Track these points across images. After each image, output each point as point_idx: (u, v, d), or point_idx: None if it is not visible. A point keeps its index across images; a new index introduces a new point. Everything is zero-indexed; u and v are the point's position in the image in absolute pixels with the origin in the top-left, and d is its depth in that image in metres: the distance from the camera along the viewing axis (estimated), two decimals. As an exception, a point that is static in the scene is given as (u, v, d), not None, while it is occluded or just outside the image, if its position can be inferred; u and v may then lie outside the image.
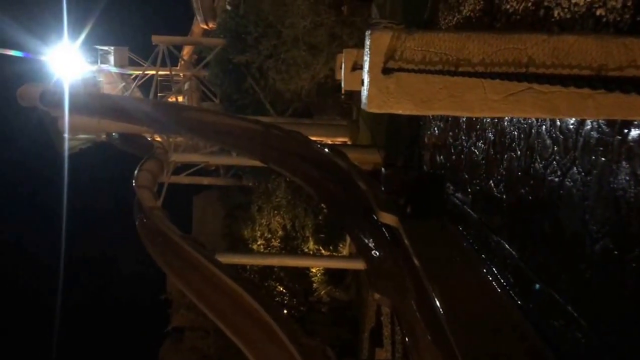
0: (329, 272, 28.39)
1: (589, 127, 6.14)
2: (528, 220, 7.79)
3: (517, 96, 4.20)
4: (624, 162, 5.50)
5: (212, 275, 14.08)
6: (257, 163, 22.64)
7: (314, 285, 28.96)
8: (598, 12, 5.78)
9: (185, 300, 27.86)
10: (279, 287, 29.38)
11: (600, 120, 5.85)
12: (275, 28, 24.86)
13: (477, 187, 10.03)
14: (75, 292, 54.67)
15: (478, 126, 10.01)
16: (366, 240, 14.47)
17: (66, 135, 26.03)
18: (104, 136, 28.77)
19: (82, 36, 30.44)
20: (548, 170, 7.10)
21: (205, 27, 37.27)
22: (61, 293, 51.08)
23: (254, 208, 31.11)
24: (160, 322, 37.44)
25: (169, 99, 32.97)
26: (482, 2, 9.79)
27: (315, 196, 18.60)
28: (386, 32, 4.32)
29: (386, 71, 4.32)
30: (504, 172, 8.72)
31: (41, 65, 30.32)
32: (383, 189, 14.60)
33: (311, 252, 28.59)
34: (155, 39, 30.90)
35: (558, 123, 6.81)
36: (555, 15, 6.75)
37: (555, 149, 6.91)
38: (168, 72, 32.46)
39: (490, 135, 9.43)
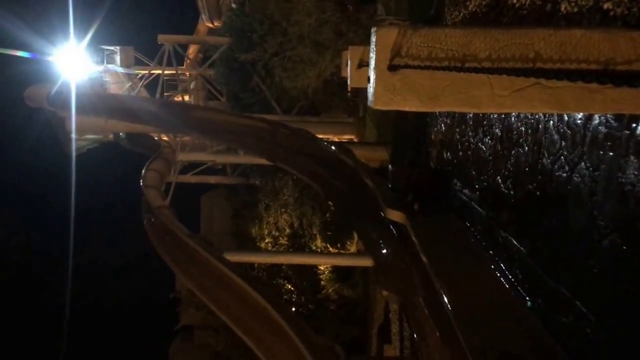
0: (336, 270, 28.38)
1: (596, 121, 6.11)
2: (536, 216, 7.76)
3: (524, 92, 4.18)
4: (632, 157, 5.47)
5: (221, 274, 14.12)
6: (264, 161, 22.68)
7: (322, 282, 28.96)
8: (605, 6, 5.75)
9: (194, 299, 27.90)
10: (287, 284, 29.41)
11: (608, 115, 5.82)
12: (281, 26, 24.84)
13: (485, 184, 10.00)
14: (84, 292, 54.91)
15: (485, 122, 9.99)
16: (374, 238, 14.47)
17: (73, 136, 26.13)
18: (111, 136, 28.89)
19: (88, 36, 30.52)
20: (556, 166, 7.07)
21: (210, 25, 37.29)
22: (70, 293, 51.34)
23: (261, 206, 31.16)
24: (169, 321, 37.60)
25: (175, 98, 32.99)
26: (487, -2, 9.75)
27: (323, 194, 18.61)
28: (392, 29, 4.31)
29: (392, 68, 4.30)
30: (511, 168, 8.69)
31: (47, 66, 30.43)
32: (390, 186, 14.59)
33: (319, 250, 28.60)
34: (161, 38, 30.96)
35: (565, 118, 6.78)
36: (562, 9, 6.72)
37: (563, 144, 6.88)
38: (174, 72, 32.54)
39: (497, 131, 9.40)
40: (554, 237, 7.18)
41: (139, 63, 34.86)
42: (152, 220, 17.84)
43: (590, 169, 6.27)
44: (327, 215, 28.63)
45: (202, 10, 36.95)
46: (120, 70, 33.51)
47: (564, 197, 6.85)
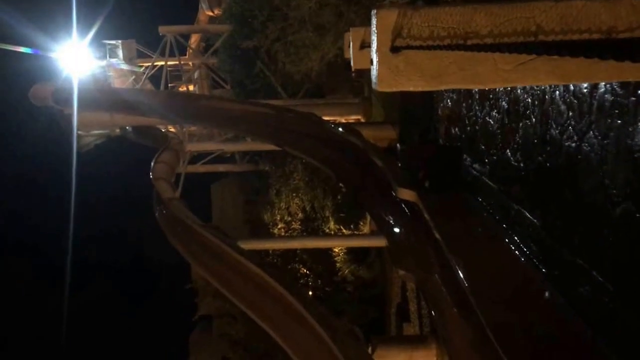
0: (351, 251, 28.41)
1: (602, 90, 6.07)
2: (548, 188, 7.74)
3: (528, 65, 4.15)
4: (640, 124, 5.44)
5: (236, 262, 14.17)
6: (272, 147, 22.67)
7: (338, 265, 28.99)
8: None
9: (211, 288, 28.05)
10: (303, 269, 29.47)
11: (613, 83, 5.78)
12: (281, 11, 24.73)
13: (494, 157, 9.97)
14: (99, 287, 55.42)
15: (491, 96, 9.93)
16: (386, 218, 14.48)
17: (79, 132, 26.21)
18: (117, 130, 28.93)
19: (92, 32, 30.49)
20: (564, 136, 7.03)
21: (211, 14, 37.16)
22: (84, 288, 51.91)
23: (272, 192, 31.17)
24: (187, 311, 37.87)
25: (180, 89, 32.99)
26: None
27: (333, 176, 18.61)
28: (392, 10, 4.28)
29: (394, 49, 4.28)
30: (520, 141, 8.65)
31: (50, 62, 30.46)
32: (400, 164, 14.56)
33: (332, 232, 28.63)
34: (162, 29, 30.92)
35: (571, 88, 6.74)
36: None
37: (570, 114, 6.84)
38: (177, 62, 32.52)
39: (504, 104, 9.35)
40: (567, 208, 7.16)
41: (141, 56, 34.85)
42: (164, 212, 17.92)
43: (599, 137, 6.24)
44: (339, 197, 28.62)
45: (202, -1, 36.84)
46: (123, 64, 33.50)
47: (574, 167, 6.82)
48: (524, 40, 3.94)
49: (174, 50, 31.29)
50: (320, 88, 29.35)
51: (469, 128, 11.51)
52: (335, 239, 26.26)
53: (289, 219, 30.39)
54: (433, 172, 12.26)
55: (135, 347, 52.97)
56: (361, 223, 28.16)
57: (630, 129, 5.60)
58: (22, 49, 32.66)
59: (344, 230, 28.29)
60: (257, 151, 30.77)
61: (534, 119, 8.00)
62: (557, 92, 7.15)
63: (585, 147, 6.53)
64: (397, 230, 13.80)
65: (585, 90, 6.44)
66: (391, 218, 14.22)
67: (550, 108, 7.40)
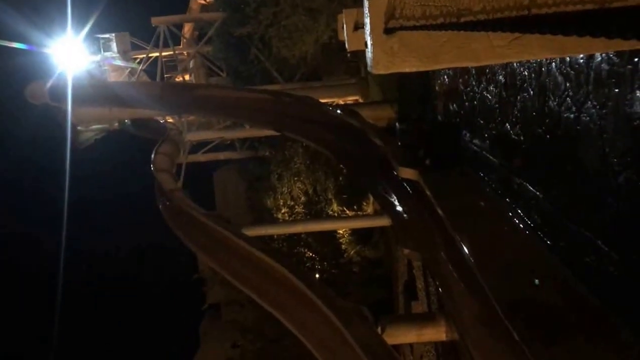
0: (356, 232, 28.47)
1: (598, 59, 6.05)
2: (548, 160, 7.74)
3: (522, 39, 4.13)
4: (638, 92, 5.43)
5: (241, 250, 14.24)
6: (272, 133, 22.66)
7: (343, 246, 29.06)
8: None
9: (218, 277, 28.17)
10: (308, 252, 29.53)
11: (609, 52, 5.76)
12: (273, -5, 24.63)
13: (494, 132, 9.96)
14: (107, 280, 55.60)
15: (487, 71, 9.91)
16: (389, 197, 14.50)
17: (78, 128, 26.19)
18: (116, 124, 28.92)
19: (86, 27, 30.34)
20: (562, 108, 7.02)
21: (202, 2, 36.93)
22: (92, 282, 52.12)
23: (273, 177, 31.18)
24: (196, 301, 38.02)
25: (176, 79, 32.88)
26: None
27: (334, 158, 18.62)
28: (383, -8, 4.26)
29: (388, 31, 4.27)
30: (518, 114, 8.64)
31: (44, 58, 30.32)
32: (400, 143, 14.56)
33: (336, 214, 28.67)
34: (155, 20, 30.77)
35: (567, 59, 6.72)
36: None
37: (568, 85, 6.83)
38: (171, 52, 32.36)
39: (500, 78, 9.33)
40: (568, 179, 7.16)
41: (135, 48, 34.70)
42: (167, 203, 17.96)
43: (597, 107, 6.23)
44: (341, 179, 28.65)
45: (193, -13, 36.59)
46: (118, 57, 33.37)
47: (574, 138, 6.82)
48: (517, 15, 3.92)
49: (167, 40, 31.16)
50: (317, 71, 29.27)
51: (467, 104, 11.48)
52: (339, 220, 26.34)
53: (292, 203, 30.42)
54: (433, 150, 12.26)
55: (147, 339, 53.23)
56: (364, 203, 28.21)
57: (628, 97, 5.59)
58: (16, 45, 32.54)
59: (348, 212, 28.34)
60: (257, 137, 30.74)
61: (531, 92, 7.98)
62: (554, 64, 7.13)
63: (584, 118, 6.52)
64: (400, 209, 13.82)
65: (581, 61, 6.42)
66: (394, 197, 14.24)
67: (547, 80, 7.38)
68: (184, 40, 35.34)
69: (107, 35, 33.64)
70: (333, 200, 29.10)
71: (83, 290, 53.72)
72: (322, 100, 20.81)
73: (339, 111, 18.04)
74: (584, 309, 6.74)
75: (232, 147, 36.12)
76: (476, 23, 3.92)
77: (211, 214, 16.76)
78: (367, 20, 4.34)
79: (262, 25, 25.40)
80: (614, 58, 5.73)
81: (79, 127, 27.33)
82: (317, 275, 27.59)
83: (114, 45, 33.45)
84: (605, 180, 6.22)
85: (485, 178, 10.64)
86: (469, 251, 8.61)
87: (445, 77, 13.14)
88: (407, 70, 4.43)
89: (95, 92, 22.91)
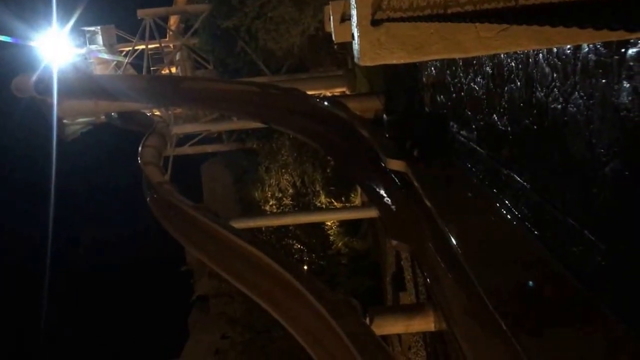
0: (344, 224, 28.50)
1: (585, 50, 6.06)
2: (536, 150, 7.76)
3: (509, 31, 4.13)
4: (625, 82, 5.44)
5: (230, 242, 14.21)
6: (259, 125, 22.60)
7: (331, 238, 29.08)
8: None
9: (206, 269, 28.13)
10: (297, 244, 29.52)
11: (596, 43, 5.77)
12: (259, -13, 24.52)
13: (481, 123, 9.97)
14: (94, 272, 55.41)
15: (475, 62, 9.91)
16: (377, 189, 14.51)
17: (64, 121, 26.00)
18: (103, 117, 28.73)
19: (72, 20, 30.08)
20: (550, 98, 7.04)
21: (188, -7, 36.75)
22: (78, 275, 51.88)
23: (261, 169, 31.15)
24: (184, 293, 37.98)
25: (163, 72, 32.69)
26: None
27: (321, 150, 18.59)
28: (370, -17, 4.24)
29: (375, 23, 4.25)
30: (506, 105, 8.66)
31: (30, 51, 30.05)
32: (387, 135, 14.57)
33: (324, 206, 28.69)
34: (141, 12, 30.58)
35: (554, 50, 6.72)
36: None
37: (555, 75, 6.84)
38: (158, 45, 32.17)
39: (488, 69, 9.33)
40: (556, 169, 7.19)
41: (121, 41, 34.49)
42: (155, 196, 17.88)
43: (585, 97, 6.24)
44: (328, 171, 28.66)
45: (178, -21, 36.33)
46: (103, 50, 33.13)
47: (561, 128, 6.84)
48: (504, 6, 3.91)
49: (153, 33, 30.98)
50: (303, 63, 29.21)
51: (454, 95, 11.49)
52: (327, 212, 26.35)
53: (280, 195, 30.40)
54: (421, 141, 12.28)
55: (135, 331, 53.11)
56: (352, 195, 28.24)
57: (615, 88, 5.60)
58: (1, 38, 32.25)
59: (336, 203, 28.36)
60: (244, 129, 30.68)
61: (518, 83, 8.00)
62: (541, 54, 7.14)
63: (571, 108, 6.54)
64: (388, 200, 13.84)
65: (568, 52, 6.43)
66: (382, 189, 14.26)
67: (534, 71, 7.39)
68: (170, 32, 35.15)
69: (92, 28, 33.39)
70: (321, 192, 29.10)
71: (70, 282, 53.50)
72: (309, 92, 20.75)
73: (326, 103, 18.02)
74: (572, 299, 6.77)
75: (219, 139, 36.06)
76: (463, 14, 3.91)
77: (199, 207, 16.69)
78: (354, 12, 4.32)
79: (249, 17, 25.29)
80: (601, 49, 5.74)
81: (64, 121, 27.12)
82: (305, 267, 27.58)
83: (99, 38, 33.22)
84: (592, 170, 6.25)
85: (473, 169, 10.67)
86: (456, 242, 8.63)
87: (433, 68, 13.14)
88: (394, 61, 4.41)
89: (81, 85, 22.74)
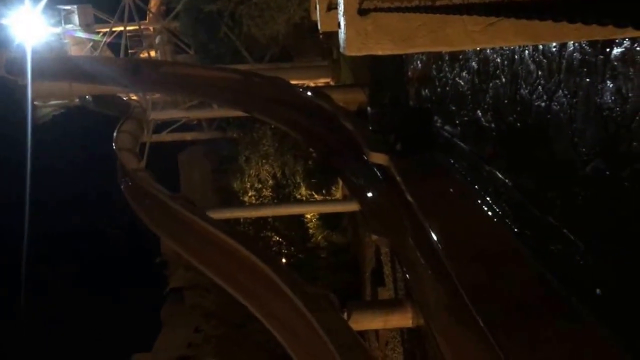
0: (324, 217, 28.36)
1: (571, 48, 6.01)
2: (518, 148, 7.73)
3: (497, 25, 4.05)
4: (608, 82, 5.41)
5: (206, 233, 14.03)
6: (240, 113, 22.39)
7: (310, 231, 28.95)
8: None
9: (182, 260, 27.86)
10: (275, 237, 29.36)
11: (582, 42, 5.73)
12: (244, -29, 24.24)
13: (465, 118, 9.93)
14: (66, 262, 54.79)
15: (461, 56, 9.85)
16: (358, 182, 14.43)
17: (35, 103, 25.50)
18: (77, 100, 28.17)
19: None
20: (534, 96, 6.99)
21: (171, -25, 36.14)
22: (50, 263, 51.29)
23: (241, 159, 30.83)
24: (158, 285, 37.52)
25: (141, 55, 32.15)
26: None
27: (303, 141, 18.47)
28: (358, -29, 4.14)
29: (362, 12, 4.14)
30: (490, 101, 8.61)
31: (1, 29, 29.27)
32: (370, 128, 14.49)
33: (304, 198, 28.53)
34: None
35: (540, 47, 6.68)
36: None
37: (540, 73, 6.80)
38: (137, 27, 31.54)
39: (473, 64, 9.28)
40: (537, 167, 7.16)
41: (99, 21, 33.65)
42: (130, 184, 17.61)
43: (568, 96, 6.20)
44: (310, 163, 28.46)
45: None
46: (80, 30, 32.39)
47: (544, 126, 6.80)
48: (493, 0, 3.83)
49: (133, 14, 30.41)
50: (288, 51, 28.97)
51: (439, 89, 11.44)
52: (307, 205, 26.23)
53: (260, 186, 30.16)
54: (404, 135, 12.22)
55: (107, 323, 52.56)
56: (333, 188, 28.12)
57: (599, 87, 5.57)
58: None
59: (316, 196, 28.23)
60: (225, 118, 30.37)
61: (503, 79, 7.95)
62: (527, 51, 7.08)
63: (554, 106, 6.49)
64: (369, 194, 13.77)
65: (554, 50, 6.38)
66: (363, 182, 14.18)
67: (519, 68, 7.34)
68: (150, 14, 34.51)
69: (69, 7, 32.55)
70: (301, 184, 28.93)
71: (42, 269, 52.81)
72: (293, 82, 20.58)
73: (309, 93, 17.89)
74: (549, 297, 6.76)
75: (199, 127, 35.64)
76: (451, 7, 3.81)
77: (176, 196, 16.44)
78: (341, 0, 4.22)
79: (233, 1, 24.96)
80: (587, 47, 5.70)
81: (36, 102, 26.54)
82: (283, 260, 27.47)
83: (76, 18, 32.30)
84: (573, 169, 6.22)
85: (456, 165, 10.63)
86: (437, 237, 8.60)
87: (419, 62, 13.06)
88: (380, 52, 4.32)
89: (55, 66, 22.30)
